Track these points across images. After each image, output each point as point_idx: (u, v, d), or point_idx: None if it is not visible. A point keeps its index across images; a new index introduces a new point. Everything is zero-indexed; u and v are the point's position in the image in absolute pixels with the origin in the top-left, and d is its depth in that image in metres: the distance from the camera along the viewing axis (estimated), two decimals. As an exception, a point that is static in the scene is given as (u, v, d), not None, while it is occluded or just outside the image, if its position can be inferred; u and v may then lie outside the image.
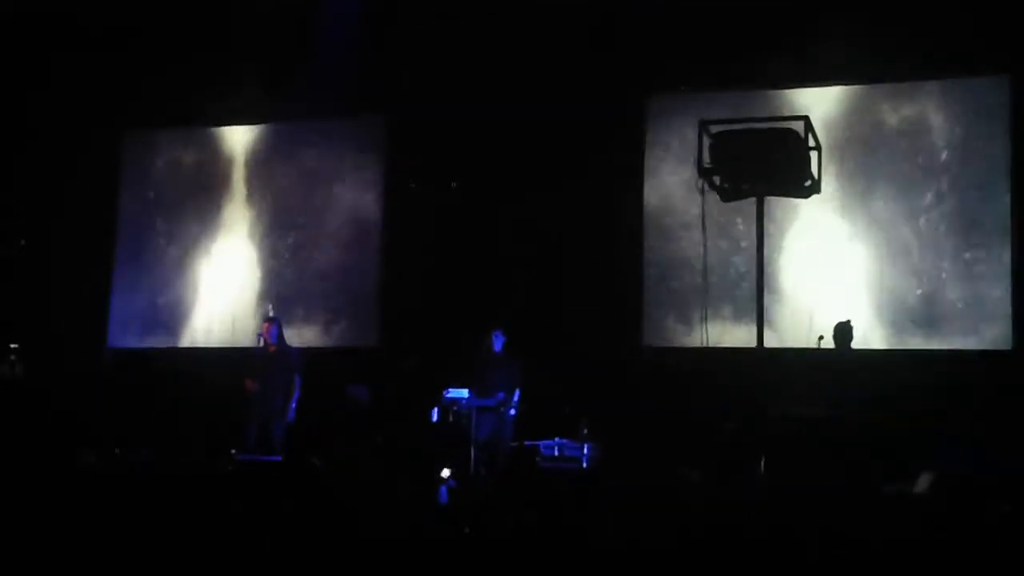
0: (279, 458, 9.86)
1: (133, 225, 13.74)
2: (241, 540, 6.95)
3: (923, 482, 7.62)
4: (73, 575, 6.40)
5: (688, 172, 10.98)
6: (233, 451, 9.97)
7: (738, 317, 10.96)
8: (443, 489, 8.85)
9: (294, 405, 10.53)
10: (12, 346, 11.91)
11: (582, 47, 11.43)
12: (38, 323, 12.60)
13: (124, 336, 13.54)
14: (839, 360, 9.23)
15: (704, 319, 10.30)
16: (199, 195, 13.57)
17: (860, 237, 11.18)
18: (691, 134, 9.75)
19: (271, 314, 11.76)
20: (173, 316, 13.41)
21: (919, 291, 10.94)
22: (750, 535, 6.27)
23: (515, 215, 11.72)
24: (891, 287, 10.99)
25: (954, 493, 7.09)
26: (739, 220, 10.91)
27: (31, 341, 12.15)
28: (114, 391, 12.38)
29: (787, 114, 10.04)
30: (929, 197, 11.00)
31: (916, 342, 10.82)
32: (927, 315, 10.88)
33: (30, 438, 10.35)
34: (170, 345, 13.32)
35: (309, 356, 11.17)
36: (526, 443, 10.36)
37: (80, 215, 13.35)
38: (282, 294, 12.97)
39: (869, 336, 10.63)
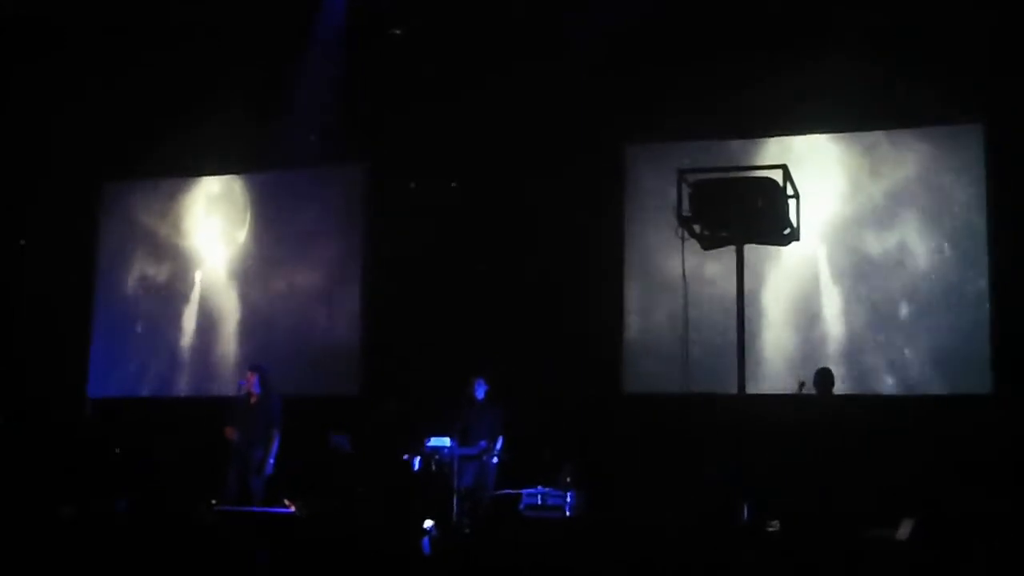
0: (258, 509, 9.81)
1: (112, 275, 13.72)
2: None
3: (904, 528, 7.65)
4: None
5: (668, 220, 11.07)
6: (213, 501, 9.91)
7: (718, 363, 10.98)
8: (425, 540, 8.82)
9: (272, 460, 10.45)
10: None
11: (561, 97, 11.50)
12: (17, 375, 12.53)
13: (104, 386, 13.47)
14: (821, 405, 9.27)
15: (684, 365, 10.32)
16: (178, 245, 13.57)
17: (839, 284, 11.23)
18: (670, 183, 9.81)
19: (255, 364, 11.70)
20: (153, 366, 13.35)
21: (895, 337, 10.98)
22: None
23: (496, 265, 11.77)
24: (866, 334, 11.04)
25: (935, 537, 7.11)
26: (719, 267, 10.96)
27: (10, 393, 12.08)
28: (94, 442, 12.31)
29: (765, 163, 10.10)
30: (907, 245, 11.07)
31: (894, 388, 10.86)
32: (905, 362, 10.92)
33: (10, 490, 10.29)
34: (150, 395, 13.25)
35: (290, 404, 11.13)
36: (508, 491, 10.32)
37: (58, 265, 13.33)
38: (262, 342, 12.93)
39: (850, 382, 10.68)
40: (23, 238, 13.26)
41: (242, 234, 13.35)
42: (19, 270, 13.19)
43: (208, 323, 13.27)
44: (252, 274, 13.25)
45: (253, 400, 10.73)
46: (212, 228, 13.49)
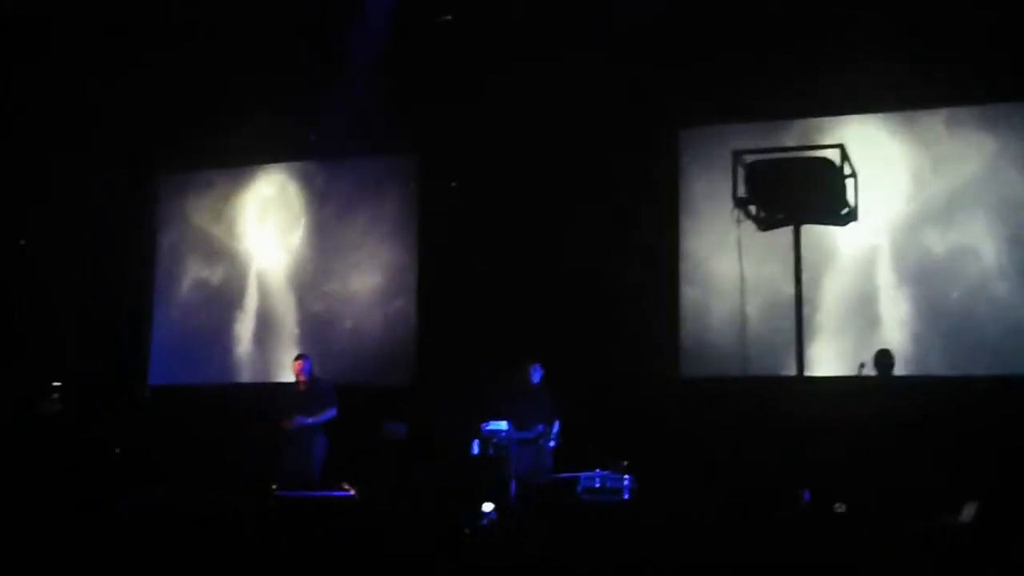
0: (318, 493, 9.89)
1: (170, 263, 13.88)
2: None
3: (968, 511, 7.55)
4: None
5: (722, 203, 11.00)
6: (273, 487, 10.00)
7: (776, 346, 10.90)
8: (484, 523, 8.85)
9: (323, 437, 10.61)
10: (55, 384, 12.02)
11: (615, 80, 11.44)
12: (80, 362, 12.71)
13: (164, 374, 13.65)
14: (881, 387, 9.17)
15: (742, 348, 10.25)
16: (233, 233, 13.69)
17: (902, 263, 11.10)
18: (726, 165, 9.75)
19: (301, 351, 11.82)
20: (212, 353, 13.50)
21: (955, 318, 10.83)
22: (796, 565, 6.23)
23: (551, 249, 11.73)
24: (927, 314, 10.91)
25: (999, 520, 7.01)
26: (775, 249, 10.87)
27: (73, 380, 12.25)
28: (155, 428, 12.47)
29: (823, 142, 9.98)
30: (970, 228, 10.91)
31: (955, 370, 10.70)
32: (965, 343, 10.77)
33: (72, 476, 10.43)
34: (210, 382, 13.40)
35: (346, 395, 11.20)
36: (566, 475, 10.32)
37: (119, 254, 13.50)
38: (317, 332, 13.02)
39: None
40: (85, 228, 13.37)
41: (298, 224, 13.43)
42: (80, 259, 13.34)
43: (265, 313, 13.37)
44: (307, 263, 13.31)
45: (302, 387, 10.85)
46: (268, 219, 13.58)
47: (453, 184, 12.46)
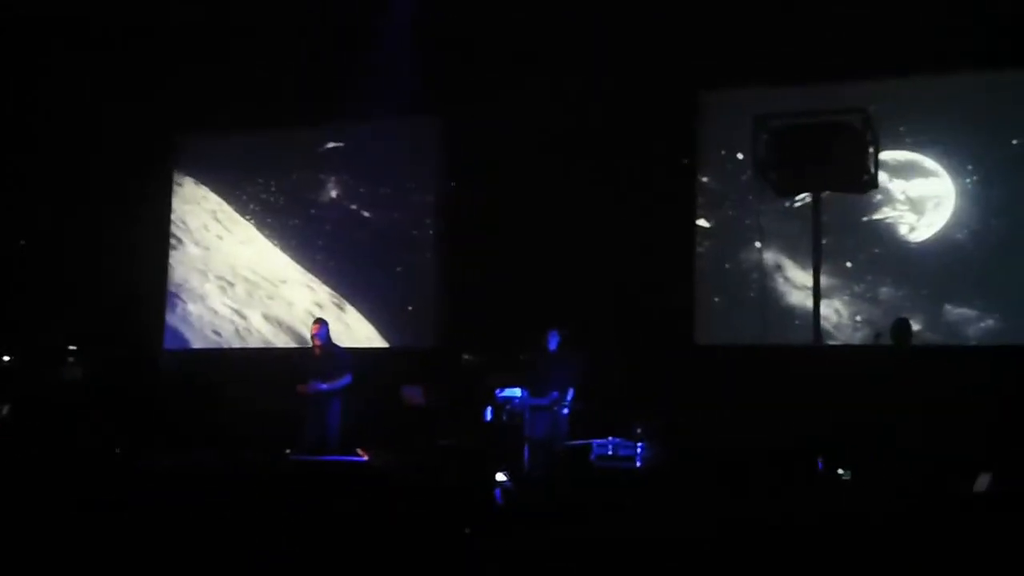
0: (334, 458, 9.91)
1: (187, 228, 13.89)
2: (295, 539, 6.99)
3: (981, 480, 7.49)
4: (129, 572, 6.48)
5: (742, 167, 10.91)
6: (288, 451, 10.04)
7: (789, 314, 10.84)
8: (498, 491, 8.84)
9: (339, 400, 10.61)
10: (70, 348, 12.09)
11: (636, 43, 11.33)
12: (96, 326, 12.76)
13: (179, 339, 13.71)
14: (898, 357, 9.08)
15: (760, 316, 10.19)
16: (254, 198, 13.67)
17: (917, 233, 10.99)
18: (746, 129, 9.65)
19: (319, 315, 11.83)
20: (227, 318, 13.53)
21: (970, 288, 10.72)
22: (807, 531, 6.20)
23: (569, 213, 11.66)
24: (944, 284, 10.79)
25: (1012, 490, 6.95)
26: (791, 216, 10.78)
27: (89, 344, 12.31)
28: (170, 393, 12.53)
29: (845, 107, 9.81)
30: (984, 193, 10.77)
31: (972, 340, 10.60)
32: (981, 314, 10.65)
33: (89, 439, 10.50)
34: (225, 346, 13.46)
35: (365, 357, 11.20)
36: (579, 442, 10.30)
37: (136, 218, 13.52)
38: (337, 295, 13.03)
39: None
40: (101, 193, 13.39)
41: (317, 186, 13.41)
42: (96, 224, 13.37)
43: (283, 277, 13.38)
44: (326, 227, 13.30)
45: (318, 352, 10.86)
46: (289, 181, 13.55)
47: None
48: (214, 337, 13.50)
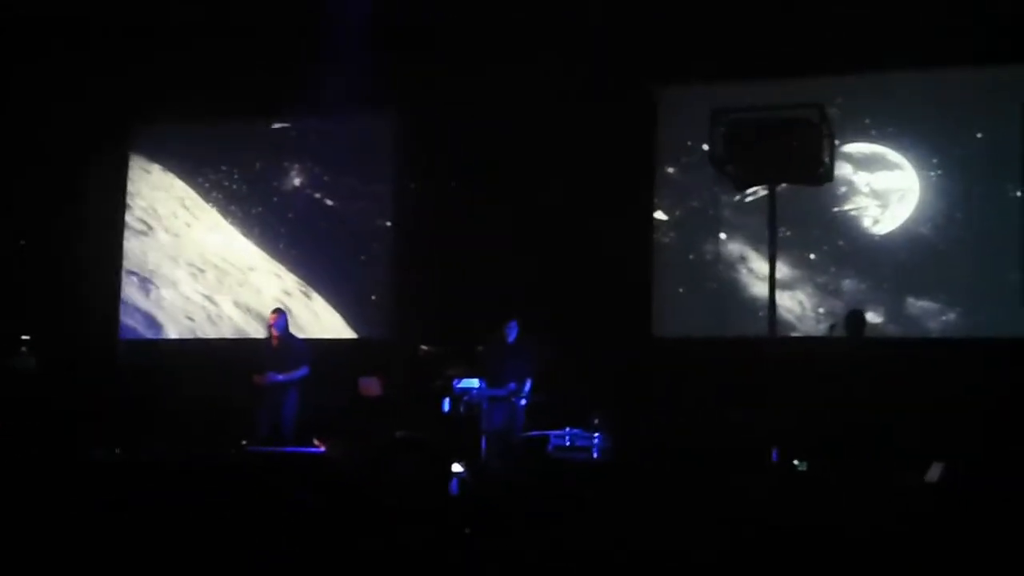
0: (289, 449, 9.88)
1: (157, 214, 13.76)
2: (251, 531, 6.97)
3: (934, 471, 7.59)
4: (82, 567, 6.43)
5: (700, 161, 10.94)
6: (243, 442, 9.99)
7: (749, 306, 10.91)
8: (454, 481, 8.85)
9: (295, 391, 10.57)
10: (23, 338, 11.95)
11: (593, 37, 11.34)
12: (49, 315, 12.62)
13: (134, 328, 13.58)
14: (851, 349, 9.19)
15: (715, 308, 10.26)
16: (207, 190, 13.58)
17: (871, 226, 11.10)
18: (703, 123, 9.69)
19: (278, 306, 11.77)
20: (182, 308, 13.44)
21: (926, 280, 10.85)
22: (761, 523, 6.25)
23: (527, 206, 11.68)
24: (898, 276, 10.90)
25: (964, 481, 7.05)
26: (751, 209, 10.86)
27: (42, 333, 12.18)
28: (125, 383, 12.43)
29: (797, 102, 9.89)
30: (941, 187, 10.89)
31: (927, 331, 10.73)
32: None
33: (41, 430, 10.39)
34: (180, 337, 13.35)
35: (321, 348, 11.17)
36: (537, 433, 10.33)
37: (89, 207, 13.38)
38: (293, 286, 12.97)
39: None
40: (55, 180, 13.24)
41: (272, 179, 13.34)
42: (49, 216, 13.23)
43: (238, 266, 13.31)
44: (281, 219, 13.23)
45: (276, 342, 10.82)
46: (242, 173, 13.47)
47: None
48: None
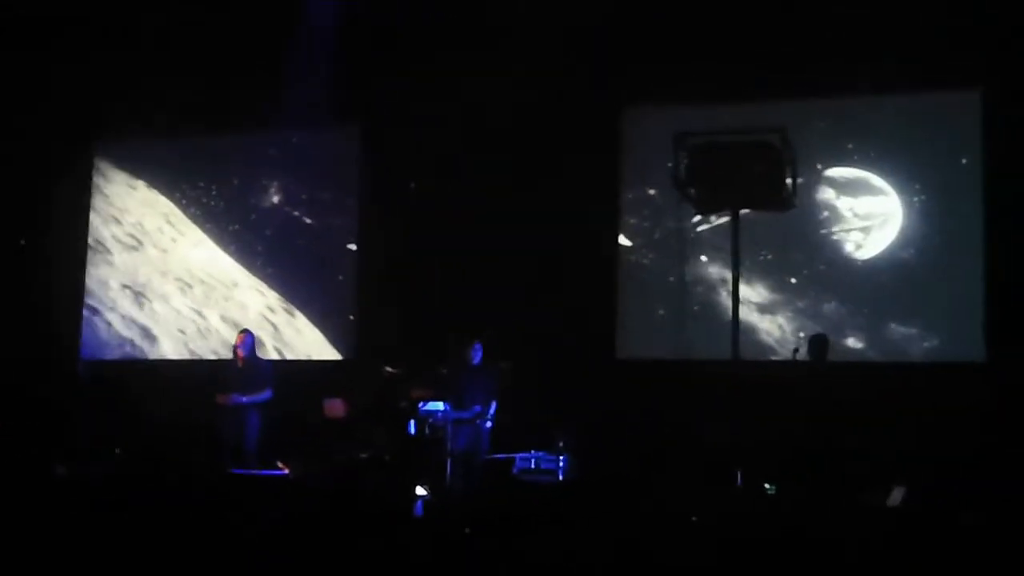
0: (250, 471, 9.82)
1: (103, 235, 13.68)
2: (213, 552, 6.92)
3: (896, 495, 7.66)
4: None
5: (664, 184, 11.01)
6: (213, 463, 9.92)
7: (713, 329, 10.97)
8: (419, 503, 8.83)
9: (257, 412, 10.53)
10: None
11: (559, 57, 11.38)
12: (11, 335, 12.50)
13: (96, 348, 13.46)
14: (815, 372, 9.27)
15: (679, 331, 10.30)
16: (171, 205, 13.51)
17: (834, 251, 11.19)
18: (667, 146, 9.75)
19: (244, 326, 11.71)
20: (145, 328, 13.34)
21: (888, 305, 10.92)
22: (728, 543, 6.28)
23: (490, 227, 11.69)
24: (861, 301, 11.00)
25: (926, 505, 7.12)
26: (715, 233, 10.94)
27: (3, 353, 12.05)
28: (87, 403, 12.30)
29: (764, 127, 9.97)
30: (899, 211, 10.99)
31: (888, 356, 10.79)
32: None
33: (2, 449, 10.27)
34: (143, 357, 13.25)
35: (283, 368, 11.12)
36: (502, 455, 10.33)
37: (52, 225, 13.28)
38: (275, 303, 12.93)
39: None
40: (17, 197, 13.13)
41: (235, 195, 13.29)
42: (16, 230, 13.12)
43: (201, 285, 13.23)
44: (245, 236, 13.18)
45: (241, 363, 10.76)
46: (205, 188, 13.40)
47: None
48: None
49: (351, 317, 12.70)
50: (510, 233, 11.58)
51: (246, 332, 11.00)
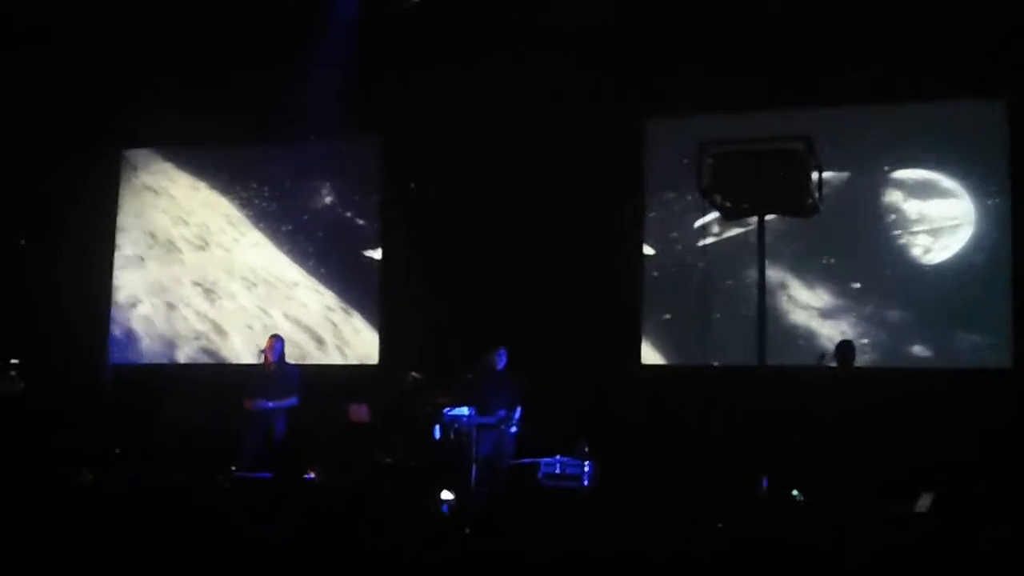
0: (273, 475, 9.86)
1: (132, 242, 13.78)
2: (238, 557, 6.94)
3: (923, 501, 7.62)
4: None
5: (689, 192, 11.01)
6: (232, 468, 9.96)
7: (740, 335, 10.94)
8: (444, 508, 8.85)
9: (283, 417, 10.58)
10: (12, 362, 11.90)
11: (582, 68, 11.41)
12: (39, 339, 12.59)
13: (125, 353, 13.56)
14: (842, 378, 9.23)
15: (705, 337, 10.27)
16: (198, 213, 13.61)
17: (861, 257, 11.15)
18: (691, 155, 9.74)
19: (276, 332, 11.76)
20: (172, 333, 13.43)
21: (918, 309, 10.87)
22: (751, 550, 6.26)
23: (516, 236, 11.72)
24: (888, 308, 10.93)
25: (953, 513, 7.08)
26: (741, 239, 10.92)
27: (32, 357, 12.14)
28: (114, 407, 12.38)
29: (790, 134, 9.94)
30: (926, 216, 10.94)
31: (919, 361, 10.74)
32: (927, 334, 10.81)
33: (29, 454, 10.34)
34: (170, 362, 13.33)
35: (309, 373, 11.16)
36: (527, 460, 10.34)
37: (80, 231, 13.40)
38: (316, 303, 13.02)
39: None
40: (46, 204, 13.23)
41: (260, 203, 13.36)
42: (45, 236, 13.21)
43: (227, 292, 13.31)
44: (270, 243, 13.24)
45: (270, 368, 10.79)
46: (230, 197, 13.49)
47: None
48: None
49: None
50: (537, 241, 11.63)
51: (276, 337, 11.06)
